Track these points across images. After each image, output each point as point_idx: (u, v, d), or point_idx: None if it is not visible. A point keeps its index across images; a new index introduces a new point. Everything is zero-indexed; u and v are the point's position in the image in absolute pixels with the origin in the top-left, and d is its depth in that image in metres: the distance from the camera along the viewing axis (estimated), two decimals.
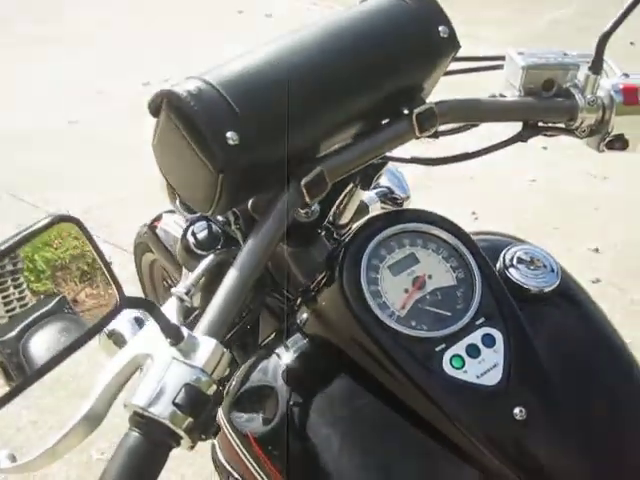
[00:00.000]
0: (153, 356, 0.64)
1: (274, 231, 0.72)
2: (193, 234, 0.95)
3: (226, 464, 0.88)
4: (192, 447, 0.64)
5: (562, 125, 0.89)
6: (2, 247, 0.56)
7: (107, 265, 0.60)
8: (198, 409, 0.62)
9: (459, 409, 0.75)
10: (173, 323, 0.64)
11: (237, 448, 0.84)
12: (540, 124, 0.90)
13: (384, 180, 1.26)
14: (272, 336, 0.92)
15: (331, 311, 0.82)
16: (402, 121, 0.80)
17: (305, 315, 0.87)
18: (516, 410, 0.74)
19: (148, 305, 0.63)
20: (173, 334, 0.63)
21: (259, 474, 0.82)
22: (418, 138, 0.82)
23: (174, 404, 0.60)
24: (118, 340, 1.00)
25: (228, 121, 0.70)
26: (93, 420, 0.72)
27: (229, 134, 0.69)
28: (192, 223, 0.96)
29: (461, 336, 0.77)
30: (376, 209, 1.23)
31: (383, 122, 0.81)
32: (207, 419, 0.63)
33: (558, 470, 0.75)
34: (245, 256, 0.70)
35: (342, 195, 1.00)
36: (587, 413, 0.79)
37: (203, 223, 0.96)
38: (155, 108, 0.73)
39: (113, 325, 0.93)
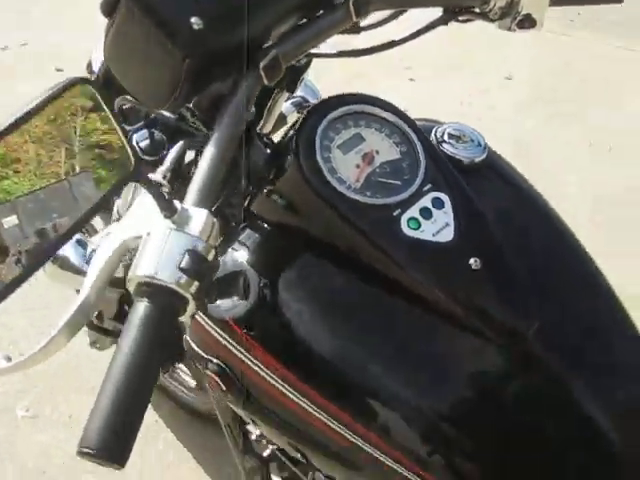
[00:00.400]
0: (150, 231, 0.66)
1: (243, 106, 0.75)
2: (137, 143, 0.96)
3: (204, 354, 0.92)
4: (194, 315, 0.68)
5: (477, 10, 0.97)
6: (24, 111, 0.56)
7: (123, 129, 0.62)
8: (202, 272, 0.64)
9: (421, 263, 0.82)
10: (168, 197, 0.66)
11: (216, 335, 0.87)
12: (457, 10, 0.97)
13: (297, 91, 1.30)
14: (221, 239, 0.95)
15: (291, 192, 0.87)
16: (340, 7, 0.85)
17: (260, 204, 0.91)
18: (471, 260, 0.82)
19: (146, 180, 0.65)
20: (168, 207, 0.66)
21: (241, 353, 0.86)
22: (354, 24, 0.87)
23: (180, 269, 0.62)
24: (64, 264, 1.00)
25: (191, 7, 0.72)
26: (86, 310, 0.73)
27: (193, 19, 0.71)
28: (133, 133, 0.96)
29: (413, 201, 0.84)
30: (293, 118, 1.27)
31: (322, 11, 0.86)
32: (209, 283, 0.67)
33: (507, 312, 0.84)
34: (220, 130, 0.73)
35: (270, 99, 1.04)
36: (530, 262, 0.89)
37: (144, 132, 0.96)
38: (109, 7, 0.74)
39: None
